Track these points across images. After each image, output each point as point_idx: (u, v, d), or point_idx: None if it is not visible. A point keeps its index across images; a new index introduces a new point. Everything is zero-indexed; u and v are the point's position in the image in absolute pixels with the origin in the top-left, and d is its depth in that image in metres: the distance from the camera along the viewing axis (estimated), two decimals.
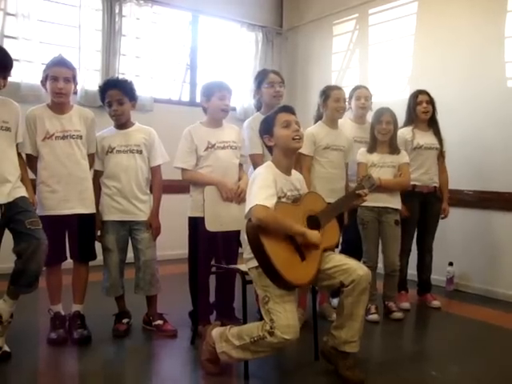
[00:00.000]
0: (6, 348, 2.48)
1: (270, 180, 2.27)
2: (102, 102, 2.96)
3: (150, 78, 4.94)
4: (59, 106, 2.78)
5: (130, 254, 2.98)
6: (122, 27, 4.76)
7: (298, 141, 2.35)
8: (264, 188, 2.23)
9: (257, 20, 5.65)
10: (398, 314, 3.34)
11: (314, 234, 2.25)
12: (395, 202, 3.33)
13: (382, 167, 3.30)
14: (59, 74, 2.71)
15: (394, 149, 3.34)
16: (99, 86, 3.00)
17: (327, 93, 3.20)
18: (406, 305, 3.53)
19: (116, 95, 2.87)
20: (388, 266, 3.35)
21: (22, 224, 2.47)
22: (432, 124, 3.60)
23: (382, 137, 3.30)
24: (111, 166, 2.89)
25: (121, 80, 3.01)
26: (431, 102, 3.57)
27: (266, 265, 2.17)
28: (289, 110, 2.41)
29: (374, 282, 3.35)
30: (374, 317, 3.26)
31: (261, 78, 3.13)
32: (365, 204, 3.25)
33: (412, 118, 3.58)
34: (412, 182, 3.46)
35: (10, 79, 2.55)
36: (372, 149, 3.36)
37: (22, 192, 2.58)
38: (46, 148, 2.73)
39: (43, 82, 2.78)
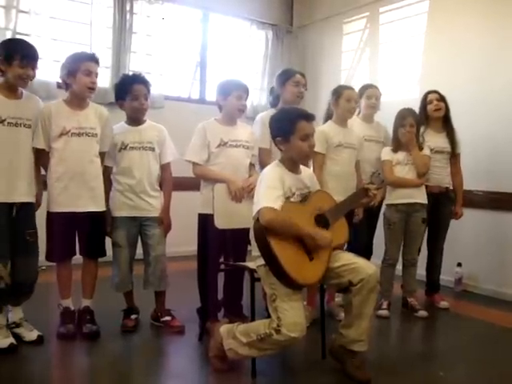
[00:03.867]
0: (13, 341, 2.52)
1: (277, 181, 2.27)
2: (120, 95, 2.92)
3: (160, 76, 4.95)
4: (79, 101, 2.78)
5: (138, 251, 3.00)
6: (132, 25, 4.79)
7: (309, 156, 2.46)
8: (271, 189, 2.23)
9: (267, 18, 5.65)
10: (423, 313, 3.35)
11: (324, 237, 2.23)
12: (421, 197, 3.38)
13: (407, 164, 3.37)
14: (93, 69, 2.74)
15: (418, 147, 3.38)
16: (123, 79, 3.02)
17: (339, 92, 3.20)
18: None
19: (143, 90, 2.90)
20: (407, 259, 3.44)
21: (23, 233, 2.55)
22: (446, 125, 3.58)
23: (406, 139, 3.35)
24: (124, 162, 2.89)
25: (145, 77, 3.03)
26: (442, 99, 3.54)
27: (273, 265, 2.17)
28: (311, 118, 2.35)
29: (392, 279, 3.42)
30: (384, 312, 3.30)
31: (287, 75, 3.11)
32: (391, 202, 3.36)
33: (423, 120, 3.55)
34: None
35: None
36: (396, 148, 3.41)
37: (33, 198, 2.62)
38: (61, 144, 2.72)
39: (70, 75, 2.72)
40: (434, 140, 3.53)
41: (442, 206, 3.57)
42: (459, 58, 4.18)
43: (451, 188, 3.62)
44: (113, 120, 2.99)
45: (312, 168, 3.00)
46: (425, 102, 3.57)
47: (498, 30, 3.94)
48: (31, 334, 2.62)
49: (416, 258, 3.44)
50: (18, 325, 2.62)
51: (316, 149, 2.88)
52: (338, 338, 2.39)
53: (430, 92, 3.58)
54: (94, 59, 2.78)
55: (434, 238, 3.66)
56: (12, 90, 2.54)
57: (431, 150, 3.50)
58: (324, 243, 2.23)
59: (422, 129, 3.53)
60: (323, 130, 3.14)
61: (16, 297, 2.62)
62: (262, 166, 2.87)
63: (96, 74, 2.77)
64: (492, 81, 3.96)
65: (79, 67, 2.70)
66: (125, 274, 2.92)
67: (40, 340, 2.62)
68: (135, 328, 2.92)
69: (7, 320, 2.59)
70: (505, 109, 3.87)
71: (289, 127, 2.31)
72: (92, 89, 2.75)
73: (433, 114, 3.53)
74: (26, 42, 2.65)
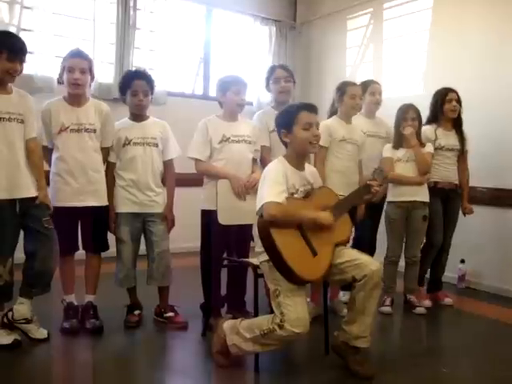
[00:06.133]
0: (17, 336, 2.53)
1: (281, 176, 2.27)
2: (122, 90, 2.94)
3: (163, 72, 4.95)
4: (75, 98, 2.80)
5: (141, 247, 3.00)
6: (136, 20, 4.78)
7: (315, 146, 2.39)
8: (274, 184, 2.24)
9: (270, 14, 5.63)
10: (420, 309, 3.36)
11: (325, 217, 2.25)
12: (422, 195, 3.36)
13: (408, 161, 3.35)
14: (75, 65, 2.74)
15: (420, 143, 3.36)
16: (125, 74, 3.03)
17: (343, 89, 3.19)
18: (427, 303, 3.49)
19: (144, 86, 2.90)
20: (409, 257, 3.42)
21: (39, 222, 2.53)
22: (456, 124, 3.55)
23: (409, 133, 3.30)
24: (128, 157, 2.90)
25: (147, 73, 3.02)
26: (459, 101, 3.50)
27: (277, 261, 2.18)
28: (312, 109, 2.37)
29: (395, 276, 3.42)
30: (386, 309, 3.31)
31: (269, 74, 3.18)
32: (392, 200, 3.34)
33: (437, 116, 3.52)
34: (434, 179, 3.48)
35: (24, 71, 2.58)
36: (397, 144, 3.39)
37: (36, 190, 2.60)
38: (61, 140, 2.76)
39: (61, 75, 2.81)
40: (445, 138, 3.51)
41: (452, 201, 3.56)
42: (464, 53, 4.16)
43: (459, 185, 3.60)
44: (117, 116, 3.00)
45: (313, 162, 3.00)
46: (443, 98, 3.49)
47: (503, 25, 3.91)
48: (41, 332, 2.60)
49: (417, 257, 3.42)
50: (28, 321, 2.56)
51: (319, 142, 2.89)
52: (341, 334, 2.39)
53: (450, 90, 3.49)
54: (76, 55, 2.79)
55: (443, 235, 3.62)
56: (1, 86, 2.51)
57: (442, 147, 3.48)
58: (326, 222, 2.25)
59: (434, 126, 3.51)
60: (327, 124, 3.14)
61: (36, 287, 2.56)
62: (263, 163, 2.89)
63: (80, 70, 2.74)
64: (497, 77, 3.94)
65: (65, 65, 2.76)
66: (129, 270, 2.92)
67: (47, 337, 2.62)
68: (138, 324, 2.92)
69: (12, 316, 2.56)
70: (510, 105, 3.84)
71: (290, 118, 2.33)
72: (75, 84, 2.74)
73: (449, 113, 3.49)
74: (13, 34, 2.65)
